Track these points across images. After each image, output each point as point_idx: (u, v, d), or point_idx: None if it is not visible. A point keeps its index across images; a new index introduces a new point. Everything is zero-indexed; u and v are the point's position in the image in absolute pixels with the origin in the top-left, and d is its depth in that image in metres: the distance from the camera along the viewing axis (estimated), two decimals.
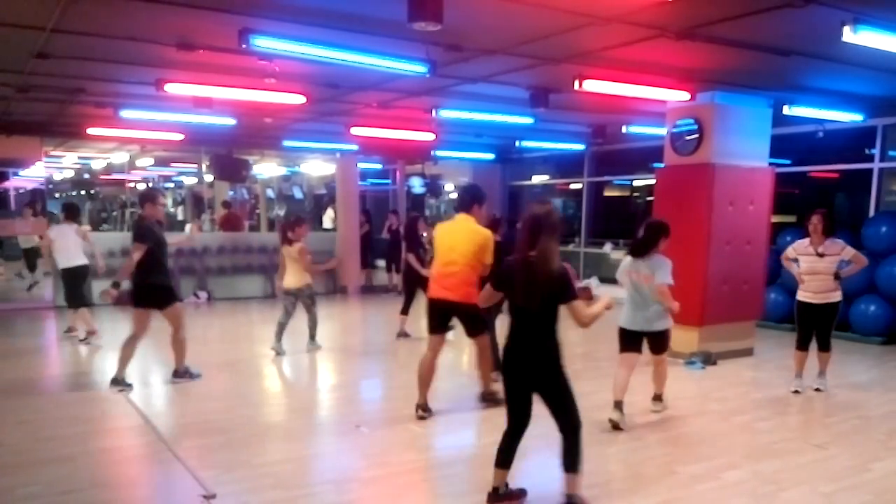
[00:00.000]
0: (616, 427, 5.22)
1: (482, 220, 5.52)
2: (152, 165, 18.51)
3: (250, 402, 6.06)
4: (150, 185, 20.17)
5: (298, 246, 7.58)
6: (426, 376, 5.52)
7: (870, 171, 9.40)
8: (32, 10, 4.82)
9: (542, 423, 5.19)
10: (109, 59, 6.33)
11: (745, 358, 7.88)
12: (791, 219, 10.56)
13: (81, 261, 8.52)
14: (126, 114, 8.76)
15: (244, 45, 4.96)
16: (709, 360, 7.44)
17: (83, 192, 25.04)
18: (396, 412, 5.72)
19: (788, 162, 10.24)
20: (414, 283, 8.55)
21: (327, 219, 16.83)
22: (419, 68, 5.70)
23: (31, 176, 14.08)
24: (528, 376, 3.65)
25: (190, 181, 21.21)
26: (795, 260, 6.38)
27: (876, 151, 9.28)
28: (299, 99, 7.51)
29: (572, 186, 14.67)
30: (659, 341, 5.53)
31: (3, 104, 8.90)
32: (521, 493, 3.91)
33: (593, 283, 4.45)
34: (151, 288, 6.18)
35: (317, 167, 16.58)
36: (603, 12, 4.73)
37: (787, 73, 6.58)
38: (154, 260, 6.14)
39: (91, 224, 21.24)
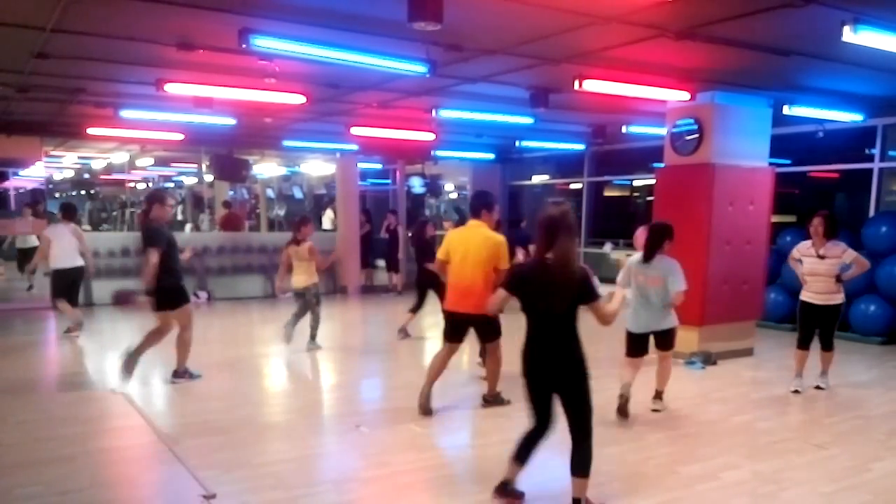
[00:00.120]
0: (623, 409, 5.39)
1: (492, 225, 5.56)
2: (152, 165, 18.52)
3: (250, 401, 6.06)
4: (158, 185, 20.17)
5: (308, 245, 7.65)
6: (436, 368, 5.62)
7: (870, 171, 9.40)
8: (32, 10, 4.82)
9: None
10: (109, 59, 6.33)
11: (745, 358, 7.87)
12: (791, 219, 10.56)
13: (76, 262, 8.52)
14: (126, 114, 8.76)
15: (244, 45, 4.96)
16: (709, 360, 7.44)
17: (83, 192, 25.05)
18: (396, 412, 5.72)
19: (788, 162, 10.24)
20: (425, 286, 8.54)
21: (327, 219, 16.83)
22: (419, 68, 5.70)
23: (31, 176, 14.08)
24: (552, 380, 3.62)
25: (190, 181, 21.22)
26: (800, 261, 6.41)
27: (876, 151, 9.28)
28: (299, 99, 7.51)
29: (572, 186, 14.67)
30: (666, 338, 5.60)
31: (3, 104, 8.90)
32: (520, 494, 3.89)
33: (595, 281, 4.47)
34: (164, 291, 6.23)
35: (317, 167, 16.58)
36: (603, 12, 4.73)
37: (787, 73, 6.58)
38: (165, 262, 6.17)
39: (91, 224, 21.25)
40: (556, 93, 7.28)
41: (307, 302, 7.84)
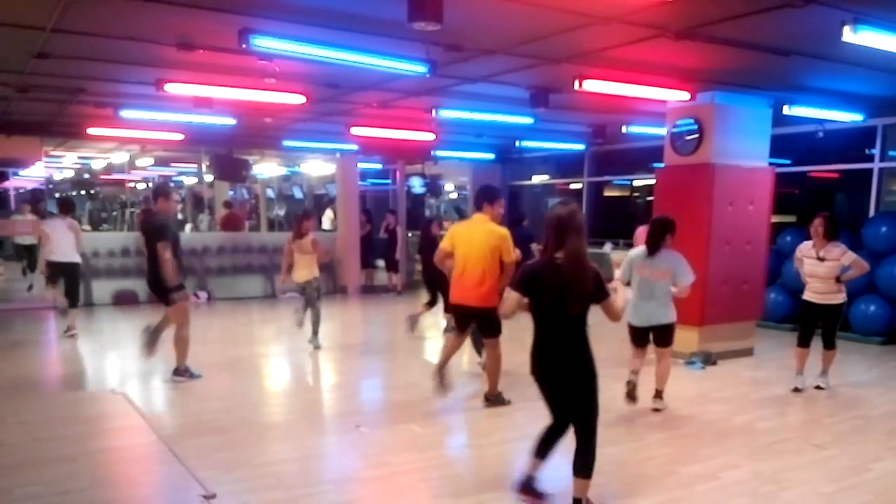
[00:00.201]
0: (631, 394, 5.53)
1: (497, 218, 5.60)
2: (152, 165, 18.51)
3: (250, 401, 6.06)
4: (163, 180, 20.13)
5: (310, 237, 7.76)
6: (451, 346, 5.82)
7: (870, 171, 9.40)
8: (32, 10, 4.82)
9: (541, 423, 5.18)
10: (109, 59, 6.32)
11: (745, 358, 7.87)
12: (791, 219, 10.56)
13: (73, 258, 8.52)
14: (126, 114, 8.76)
15: (244, 45, 4.96)
16: (709, 360, 7.44)
17: (83, 192, 25.05)
18: (396, 412, 5.73)
19: (788, 162, 10.24)
20: (433, 284, 8.63)
21: (326, 219, 16.83)
22: (419, 68, 5.70)
23: (31, 176, 14.08)
24: (561, 380, 3.61)
25: (190, 181, 21.22)
26: (802, 261, 6.44)
27: (876, 151, 9.28)
28: (299, 99, 7.51)
29: (572, 186, 14.67)
30: (664, 335, 5.63)
31: (3, 104, 8.89)
32: (544, 495, 3.83)
33: None
34: (164, 287, 6.28)
35: (317, 167, 16.58)
36: (603, 12, 4.72)
37: (787, 73, 6.57)
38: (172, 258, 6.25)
39: (91, 224, 21.23)
40: (556, 93, 7.27)
41: (308, 296, 7.89)
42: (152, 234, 6.23)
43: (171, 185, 20.73)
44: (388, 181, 17.87)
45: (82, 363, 7.67)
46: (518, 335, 8.07)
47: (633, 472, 4.45)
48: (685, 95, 7.16)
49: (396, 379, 7.05)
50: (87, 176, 22.25)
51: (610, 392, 5.46)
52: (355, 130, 10.17)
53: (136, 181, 22.33)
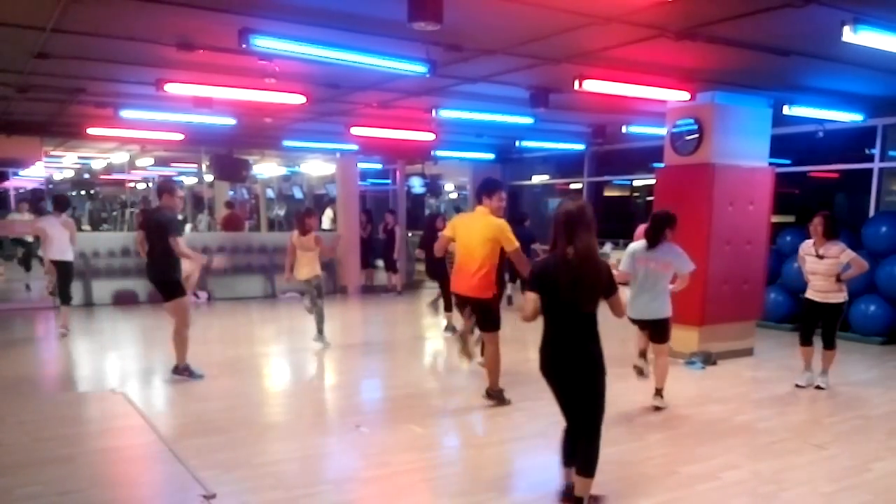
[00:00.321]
0: (640, 373, 5.68)
1: (497, 210, 5.65)
2: (152, 165, 18.51)
3: (250, 401, 6.06)
4: (167, 177, 20.13)
5: (313, 234, 7.82)
6: (467, 321, 5.99)
7: (870, 171, 9.40)
8: (32, 10, 4.81)
9: (541, 422, 5.19)
10: (109, 59, 6.32)
11: (745, 358, 7.87)
12: (791, 219, 10.56)
13: (67, 256, 8.52)
14: (126, 114, 8.76)
15: (244, 45, 4.95)
16: (709, 360, 7.44)
17: (83, 192, 25.04)
18: (396, 412, 5.73)
19: (788, 162, 10.23)
20: (438, 277, 8.76)
21: (326, 218, 16.83)
22: (419, 68, 5.70)
23: (31, 176, 14.10)
24: (569, 376, 3.60)
25: (190, 181, 21.21)
26: (804, 259, 6.47)
27: (876, 151, 9.28)
28: (299, 99, 7.51)
29: (572, 186, 14.67)
30: (660, 330, 5.67)
31: (3, 104, 8.89)
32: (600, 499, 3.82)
33: None
34: (165, 283, 6.34)
35: (317, 167, 16.58)
36: (603, 12, 4.72)
37: (787, 73, 6.57)
38: (173, 254, 6.28)
39: (91, 224, 21.23)
40: (556, 93, 7.27)
41: (310, 294, 7.90)
42: (161, 229, 6.25)
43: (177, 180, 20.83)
44: (388, 181, 17.88)
45: (82, 363, 7.67)
46: (518, 335, 8.11)
47: (633, 472, 4.45)
48: (685, 95, 7.16)
49: (396, 379, 7.05)
50: (87, 176, 22.25)
51: (610, 391, 5.45)
52: (355, 130, 10.17)
53: (136, 181, 22.34)
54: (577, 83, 6.29)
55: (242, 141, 12.43)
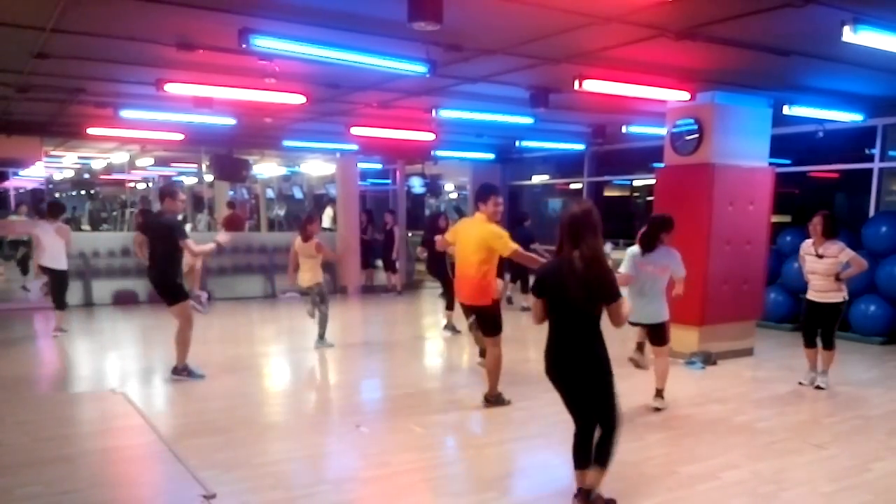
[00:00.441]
0: (637, 365, 5.73)
1: (494, 216, 5.64)
2: (152, 165, 18.50)
3: (250, 401, 6.06)
4: (169, 180, 20.15)
5: (315, 241, 7.79)
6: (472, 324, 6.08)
7: (870, 171, 9.40)
8: (32, 10, 4.81)
9: (541, 423, 5.19)
10: (109, 59, 6.32)
11: (745, 358, 7.87)
12: (788, 219, 10.56)
13: (60, 265, 8.51)
14: (126, 114, 8.75)
15: (244, 45, 4.95)
16: (709, 360, 7.44)
17: (83, 192, 25.05)
18: (396, 412, 5.73)
19: (788, 162, 10.23)
20: (440, 274, 8.77)
21: (326, 218, 16.83)
22: (419, 68, 5.70)
23: (31, 176, 14.09)
24: (578, 380, 3.58)
25: (190, 181, 21.21)
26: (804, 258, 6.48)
27: (876, 151, 9.27)
28: (299, 99, 7.51)
29: (572, 186, 14.66)
30: (658, 333, 5.67)
31: (3, 104, 8.89)
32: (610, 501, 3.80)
33: None
34: (167, 286, 6.36)
35: (317, 167, 16.57)
36: (603, 12, 4.72)
37: (787, 73, 6.57)
38: (175, 256, 6.31)
39: (91, 224, 21.24)
40: (556, 93, 7.27)
41: (312, 300, 7.90)
42: (167, 233, 6.29)
43: (178, 182, 20.86)
44: (388, 181, 17.87)
45: (82, 363, 7.67)
46: (518, 335, 8.12)
47: (633, 472, 4.44)
48: (685, 95, 7.16)
49: (396, 379, 7.05)
50: (87, 176, 22.24)
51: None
52: (355, 130, 10.17)
53: (136, 181, 22.33)
54: (577, 83, 6.29)
55: (242, 141, 12.43)
